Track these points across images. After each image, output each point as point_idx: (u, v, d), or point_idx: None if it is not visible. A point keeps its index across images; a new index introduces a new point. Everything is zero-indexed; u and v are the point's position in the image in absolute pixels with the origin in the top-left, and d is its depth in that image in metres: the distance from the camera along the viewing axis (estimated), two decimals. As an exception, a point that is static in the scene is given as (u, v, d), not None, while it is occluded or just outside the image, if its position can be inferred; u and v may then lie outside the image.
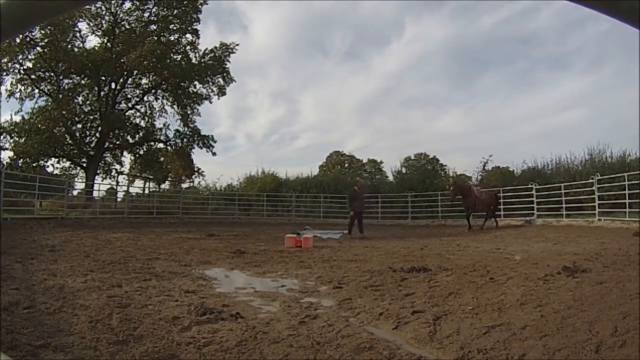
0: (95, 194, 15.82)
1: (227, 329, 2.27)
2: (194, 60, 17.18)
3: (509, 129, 34.84)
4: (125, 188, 16.48)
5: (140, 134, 17.56)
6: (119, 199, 15.84)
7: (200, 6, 16.93)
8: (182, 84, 16.91)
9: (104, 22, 15.96)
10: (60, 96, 15.51)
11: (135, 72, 16.47)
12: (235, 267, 4.69)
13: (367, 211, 11.41)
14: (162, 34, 16.61)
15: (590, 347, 1.91)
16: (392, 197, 15.46)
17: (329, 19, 38.64)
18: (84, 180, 16.37)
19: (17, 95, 15.38)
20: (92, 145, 16.50)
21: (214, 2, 20.29)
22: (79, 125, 16.35)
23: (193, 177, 18.50)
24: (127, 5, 16.04)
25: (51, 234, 7.65)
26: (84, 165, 16.50)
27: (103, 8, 15.55)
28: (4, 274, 3.57)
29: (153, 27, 16.60)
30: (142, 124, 17.82)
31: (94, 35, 16.25)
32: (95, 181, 16.40)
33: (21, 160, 15.05)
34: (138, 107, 17.75)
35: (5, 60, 14.39)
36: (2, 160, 14.86)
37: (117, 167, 18.43)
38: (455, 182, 12.72)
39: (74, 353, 1.86)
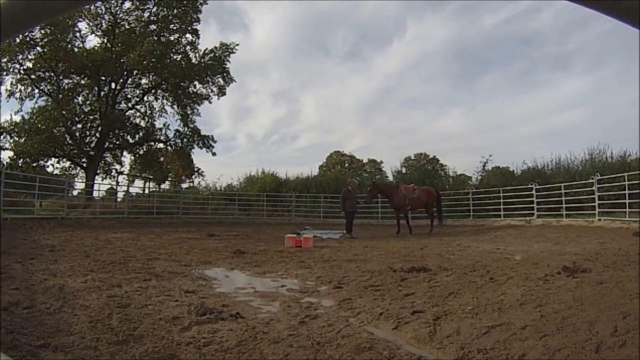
0: (95, 194, 15.84)
1: (227, 329, 2.27)
2: (194, 60, 17.18)
3: (509, 129, 34.90)
4: (125, 188, 16.49)
5: (140, 134, 17.57)
6: (119, 199, 15.85)
7: (200, 6, 16.95)
8: (182, 84, 16.92)
9: (104, 22, 15.97)
10: (60, 96, 15.51)
11: (135, 72, 16.48)
12: (235, 267, 4.69)
13: (359, 211, 10.99)
14: (162, 34, 16.61)
15: (590, 347, 1.91)
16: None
17: (331, 18, 38.70)
18: (84, 180, 16.38)
19: (17, 95, 15.41)
20: (92, 145, 16.50)
21: (214, 2, 20.32)
22: (79, 125, 16.36)
23: (193, 177, 18.53)
24: (127, 5, 16.06)
25: (51, 234, 7.65)
26: (84, 165, 16.51)
27: (103, 8, 15.56)
28: (4, 274, 3.57)
29: (153, 27, 16.60)
30: (142, 124, 17.85)
31: (94, 35, 16.28)
32: (95, 181, 16.41)
33: (21, 160, 15.06)
34: (138, 107, 17.77)
35: (5, 60, 14.40)
36: (2, 160, 14.88)
37: (117, 167, 18.48)
38: (375, 182, 11.87)
39: (74, 353, 1.86)
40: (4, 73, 14.74)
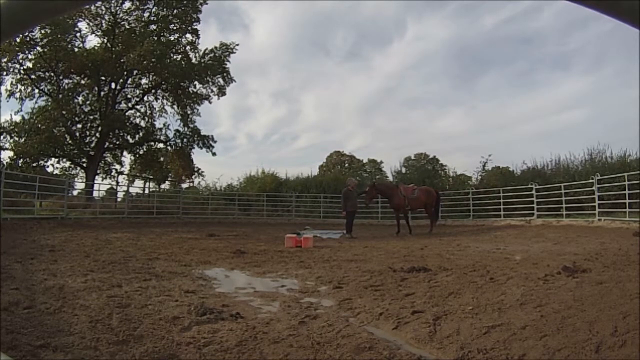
0: (95, 194, 15.84)
1: (227, 329, 2.27)
2: (194, 60, 17.19)
3: (509, 129, 34.88)
4: (125, 188, 16.49)
5: (140, 134, 17.57)
6: (119, 199, 15.86)
7: (200, 6, 16.95)
8: (182, 84, 16.92)
9: (104, 22, 15.96)
10: (60, 96, 15.51)
11: (135, 72, 16.48)
12: (235, 267, 4.69)
13: (359, 211, 10.94)
14: (162, 34, 16.62)
15: (590, 347, 1.91)
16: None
17: (331, 18, 38.71)
18: (84, 180, 16.38)
19: (17, 95, 15.41)
20: (92, 145, 16.50)
21: (214, 2, 20.31)
22: (79, 125, 16.36)
23: (193, 177, 18.54)
24: (127, 5, 16.06)
25: (51, 234, 7.65)
26: (84, 165, 16.51)
27: (103, 8, 15.56)
28: (4, 274, 3.57)
29: (153, 27, 16.61)
30: (142, 124, 17.84)
31: (94, 35, 16.27)
32: (95, 181, 16.41)
33: (21, 160, 15.05)
34: (138, 107, 17.77)
35: (5, 60, 14.40)
36: (2, 160, 14.88)
37: (117, 167, 18.46)
38: (374, 183, 11.83)
39: (74, 353, 1.86)
40: (4, 73, 14.75)
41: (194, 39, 17.33)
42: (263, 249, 6.37)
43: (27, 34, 13.43)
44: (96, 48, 16.13)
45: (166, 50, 16.11)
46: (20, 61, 14.77)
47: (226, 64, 17.45)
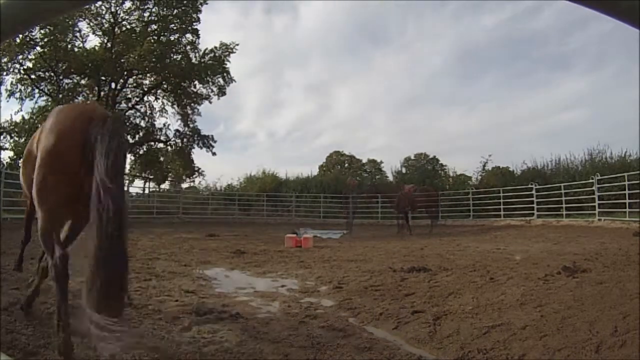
0: (95, 194, 15.79)
1: (227, 329, 2.28)
2: (194, 60, 17.19)
3: (509, 129, 34.80)
4: (125, 188, 16.46)
5: (140, 134, 17.57)
6: (119, 199, 15.80)
7: (200, 6, 16.96)
8: (182, 84, 16.92)
9: (104, 21, 15.96)
10: (60, 96, 15.49)
11: (135, 72, 16.48)
12: (235, 267, 4.70)
13: (359, 211, 11.07)
14: (162, 34, 16.62)
15: (590, 347, 1.91)
16: (392, 197, 15.47)
17: (332, 18, 38.65)
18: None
19: (17, 95, 15.35)
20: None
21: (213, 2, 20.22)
22: (79, 125, 16.33)
23: (193, 177, 18.57)
24: (127, 5, 16.04)
25: (51, 234, 7.63)
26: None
27: (103, 8, 15.55)
28: (4, 274, 3.56)
29: (153, 27, 16.60)
30: (142, 124, 17.84)
31: (94, 35, 16.26)
32: (95, 181, 16.38)
33: (21, 160, 15.03)
34: (138, 107, 17.76)
35: (5, 60, 14.39)
36: (2, 160, 14.87)
37: (118, 167, 18.44)
38: (375, 183, 12.01)
39: (74, 353, 1.86)
40: (4, 73, 14.74)
41: (194, 39, 17.32)
42: (263, 249, 6.37)
43: (27, 34, 13.41)
44: (96, 48, 16.11)
45: (166, 50, 16.10)
46: (20, 61, 14.75)
47: (226, 64, 17.47)
